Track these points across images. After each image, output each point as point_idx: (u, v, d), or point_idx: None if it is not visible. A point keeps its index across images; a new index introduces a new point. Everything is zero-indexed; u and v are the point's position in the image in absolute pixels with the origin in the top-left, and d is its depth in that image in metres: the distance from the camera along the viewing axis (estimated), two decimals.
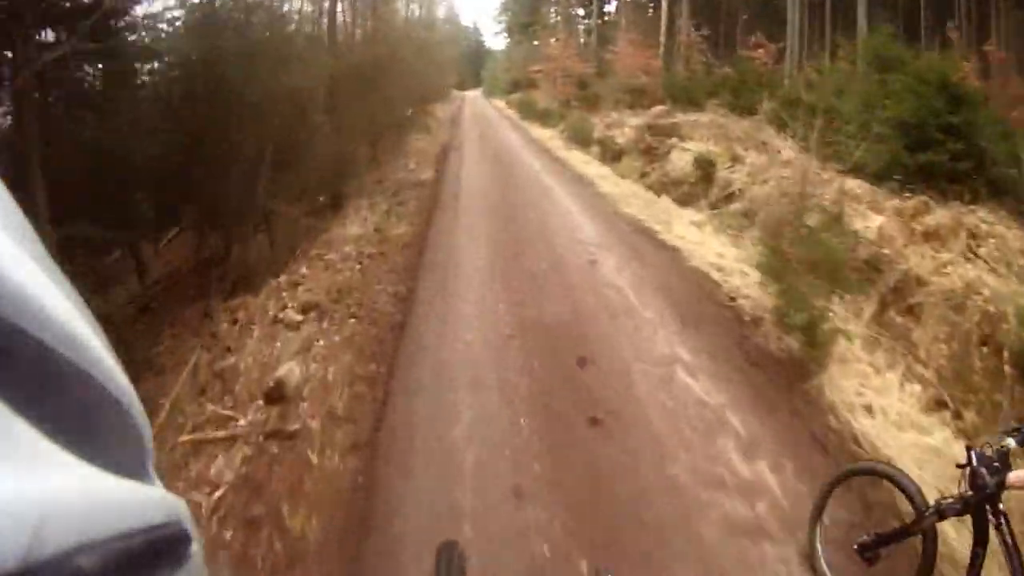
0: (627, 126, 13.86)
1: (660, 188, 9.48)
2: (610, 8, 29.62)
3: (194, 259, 7.06)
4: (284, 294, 4.62)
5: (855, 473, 2.20)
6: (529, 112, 20.09)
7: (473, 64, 45.99)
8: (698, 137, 11.96)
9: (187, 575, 0.25)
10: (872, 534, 1.91)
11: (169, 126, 6.27)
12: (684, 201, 9.00)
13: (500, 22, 41.59)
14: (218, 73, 5.45)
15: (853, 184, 9.54)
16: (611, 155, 11.90)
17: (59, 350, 0.19)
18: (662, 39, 22.41)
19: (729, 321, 4.32)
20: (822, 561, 2.08)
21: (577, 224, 6.29)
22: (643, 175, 10.71)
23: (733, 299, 4.68)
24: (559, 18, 30.97)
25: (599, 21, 28.55)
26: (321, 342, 4.00)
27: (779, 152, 12.14)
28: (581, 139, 12.74)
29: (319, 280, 4.85)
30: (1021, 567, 1.53)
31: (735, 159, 10.66)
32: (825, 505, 2.14)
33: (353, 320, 4.21)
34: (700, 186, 9.48)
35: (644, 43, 21.30)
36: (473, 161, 11.64)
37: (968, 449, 1.69)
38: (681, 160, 10.41)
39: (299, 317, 4.29)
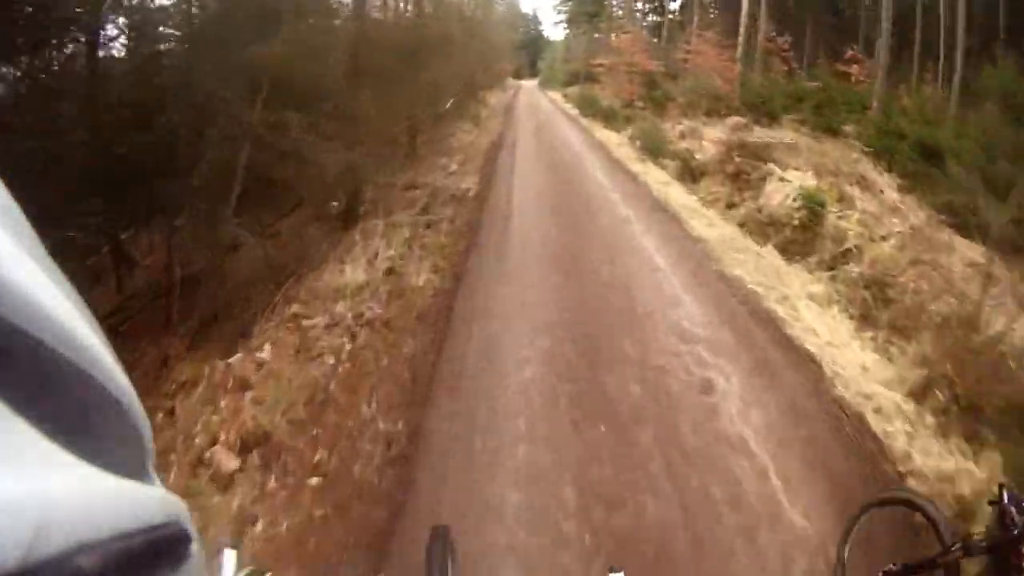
0: (706, 138, 11.66)
1: (757, 230, 7.39)
2: (674, 6, 26.89)
3: (167, 279, 5.41)
4: (223, 403, 2.86)
5: (885, 502, 1.99)
6: (590, 108, 17.85)
7: (530, 53, 44.10)
8: (793, 163, 9.75)
9: (187, 575, 0.24)
10: (899, 564, 1.73)
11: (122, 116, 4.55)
12: (786, 250, 6.95)
13: (561, 12, 39.01)
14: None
15: (976, 252, 7.35)
16: (691, 174, 9.79)
17: (59, 350, 0.18)
18: (740, 40, 19.85)
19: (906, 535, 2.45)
20: None
21: (674, 295, 4.32)
22: (730, 206, 8.61)
23: (902, 475, 2.84)
24: (621, 12, 28.35)
25: (668, 17, 25.95)
26: (259, 527, 2.24)
27: (882, 192, 9.89)
28: (656, 150, 10.64)
29: (281, 375, 3.07)
30: None
31: (842, 199, 8.50)
32: (853, 533, 1.96)
33: (316, 481, 2.43)
34: (806, 233, 7.36)
35: (719, 43, 18.87)
36: (528, 167, 9.62)
37: (1001, 487, 1.55)
38: (779, 193, 8.24)
39: (233, 463, 2.52)
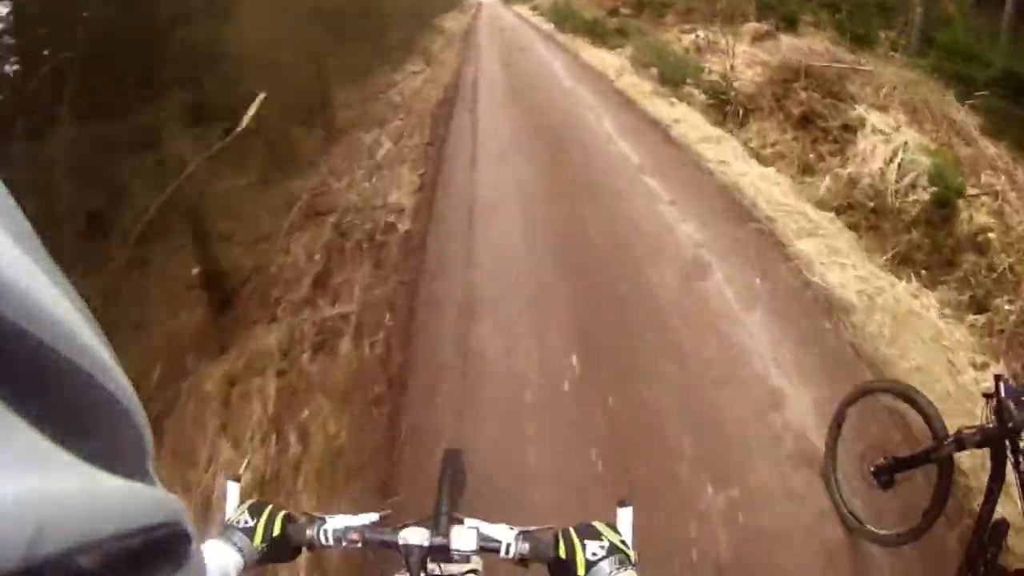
0: (740, 58, 8.27)
1: (863, 223, 4.64)
2: None
3: None
4: None
5: (874, 391, 1.90)
6: (569, 22, 13.98)
7: None
8: (872, 99, 6.72)
9: (187, 575, 0.23)
10: (889, 457, 1.69)
11: None
12: (909, 259, 4.33)
13: None
14: None
15: None
16: (733, 113, 6.71)
17: (59, 350, 0.18)
18: None
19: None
20: (838, 481, 1.88)
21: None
22: (805, 170, 5.73)
23: None
24: None
25: None
26: None
27: (976, 143, 6.91)
28: (679, 78, 7.48)
29: None
30: None
31: (958, 165, 5.65)
32: (843, 422, 1.89)
33: None
34: (936, 235, 4.59)
35: None
36: (497, 134, 6.15)
37: (996, 379, 1.45)
38: (878, 156, 5.38)
39: None
